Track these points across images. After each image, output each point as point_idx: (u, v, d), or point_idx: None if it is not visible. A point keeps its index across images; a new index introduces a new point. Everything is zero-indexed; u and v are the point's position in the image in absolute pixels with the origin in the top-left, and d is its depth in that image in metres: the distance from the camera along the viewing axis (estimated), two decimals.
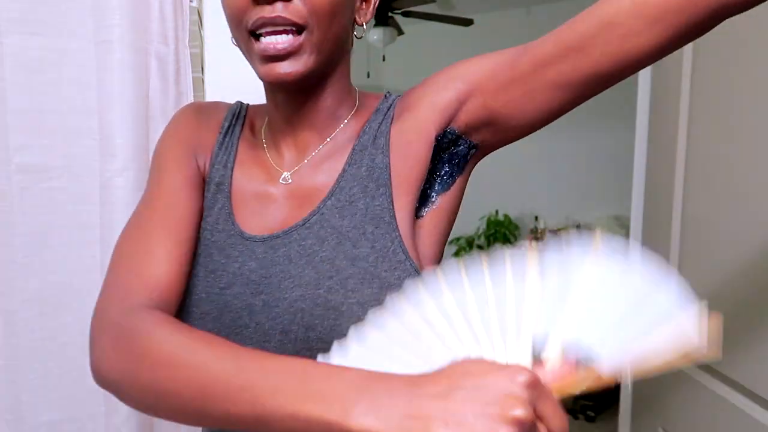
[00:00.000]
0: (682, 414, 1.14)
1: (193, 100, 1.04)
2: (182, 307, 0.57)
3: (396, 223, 0.57)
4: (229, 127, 0.66)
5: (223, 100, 0.72)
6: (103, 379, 0.49)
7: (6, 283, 0.97)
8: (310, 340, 0.54)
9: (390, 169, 0.59)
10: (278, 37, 0.54)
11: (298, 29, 0.54)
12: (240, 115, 0.68)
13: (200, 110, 0.69)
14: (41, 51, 0.95)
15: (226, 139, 0.66)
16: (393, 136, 0.60)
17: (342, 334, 0.52)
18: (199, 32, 1.09)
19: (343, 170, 0.60)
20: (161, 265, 0.55)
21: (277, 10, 0.53)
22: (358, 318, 0.52)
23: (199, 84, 1.09)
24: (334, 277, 0.55)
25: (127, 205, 0.96)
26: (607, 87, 0.55)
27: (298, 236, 0.58)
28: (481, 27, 4.17)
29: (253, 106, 0.70)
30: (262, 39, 0.54)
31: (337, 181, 0.60)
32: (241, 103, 0.70)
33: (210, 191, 0.63)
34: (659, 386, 1.25)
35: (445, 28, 4.02)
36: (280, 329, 0.55)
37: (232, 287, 0.57)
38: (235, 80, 0.98)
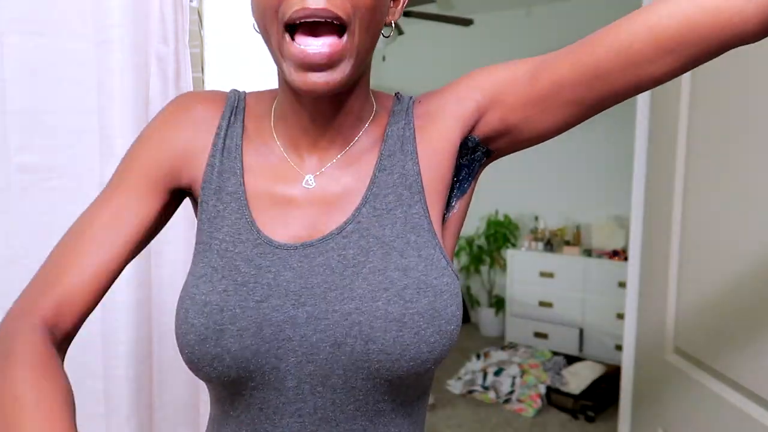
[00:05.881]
0: (682, 414, 1.14)
1: None
2: (215, 326, 0.54)
3: (434, 230, 0.58)
4: (228, 127, 0.61)
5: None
6: None
7: (6, 283, 0.97)
8: (370, 352, 0.53)
9: (421, 177, 0.59)
10: (317, 40, 0.50)
11: (339, 28, 0.50)
12: (239, 108, 0.63)
13: (193, 109, 0.63)
14: (41, 51, 0.95)
15: (227, 142, 0.61)
16: (419, 144, 0.60)
17: (405, 345, 0.53)
18: (199, 32, 1.09)
19: (374, 176, 0.59)
20: (73, 279, 0.55)
21: (321, 1, 0.48)
22: (420, 328, 0.53)
23: (199, 84, 1.09)
24: (390, 289, 0.54)
25: None
26: (618, 102, 0.57)
27: (335, 245, 0.56)
28: (481, 27, 4.17)
29: (252, 94, 0.65)
30: (299, 40, 0.50)
31: (369, 188, 0.58)
32: (237, 92, 0.65)
33: (223, 201, 0.59)
34: (659, 386, 1.25)
35: (445, 28, 4.02)
36: (332, 342, 0.54)
37: (270, 299, 0.55)
38: (235, 80, 0.98)
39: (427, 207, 0.58)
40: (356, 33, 0.51)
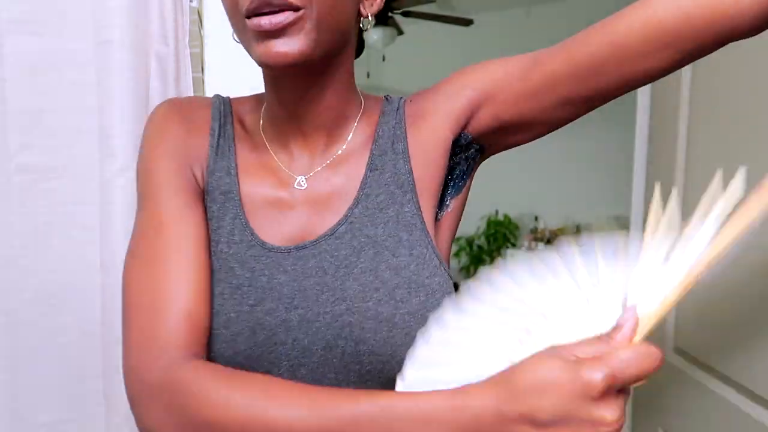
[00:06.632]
0: (682, 414, 1.14)
1: None
2: (210, 330, 0.53)
3: (426, 229, 0.57)
4: (219, 128, 0.61)
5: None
6: None
7: (6, 283, 0.97)
8: (361, 353, 0.52)
9: (413, 176, 0.58)
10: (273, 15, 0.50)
11: (295, 9, 0.50)
12: (226, 112, 0.63)
13: (182, 113, 0.62)
14: (41, 51, 0.95)
15: (221, 143, 0.60)
16: (410, 142, 0.60)
17: (396, 345, 0.52)
18: (199, 32, 1.09)
19: (366, 176, 0.58)
20: (186, 301, 0.51)
21: None
22: (410, 328, 0.52)
23: (199, 84, 1.09)
24: (381, 289, 0.53)
25: (127, 206, 0.96)
26: (612, 99, 0.56)
27: (328, 247, 0.56)
28: (481, 27, 4.17)
29: (236, 99, 0.65)
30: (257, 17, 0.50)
31: (361, 188, 0.58)
32: (220, 97, 0.64)
33: (216, 201, 0.58)
34: (659, 386, 1.25)
35: (445, 28, 4.01)
36: (323, 344, 0.53)
37: (263, 303, 0.54)
38: (235, 80, 0.98)
39: (419, 205, 0.58)
40: (314, 8, 0.50)
